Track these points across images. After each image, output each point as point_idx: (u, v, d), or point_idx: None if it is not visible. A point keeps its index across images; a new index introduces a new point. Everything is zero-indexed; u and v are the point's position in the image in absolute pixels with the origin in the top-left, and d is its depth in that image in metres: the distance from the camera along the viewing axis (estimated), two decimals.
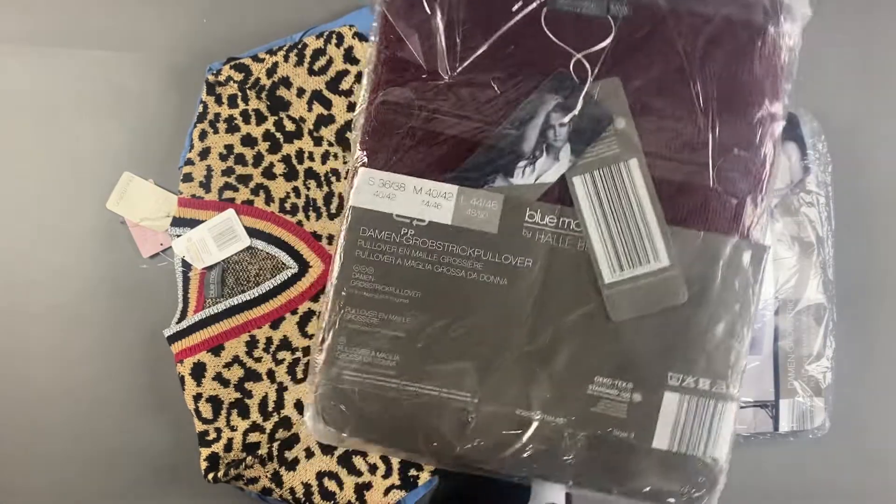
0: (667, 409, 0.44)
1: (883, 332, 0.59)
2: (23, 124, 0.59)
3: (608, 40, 0.44)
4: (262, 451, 0.54)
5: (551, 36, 0.44)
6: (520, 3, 0.44)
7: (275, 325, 0.55)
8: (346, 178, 0.52)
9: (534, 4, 0.44)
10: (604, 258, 0.44)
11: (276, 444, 0.54)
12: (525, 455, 0.44)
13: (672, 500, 0.44)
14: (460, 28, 0.44)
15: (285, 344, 0.55)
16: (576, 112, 0.44)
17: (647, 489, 0.44)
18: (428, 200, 0.44)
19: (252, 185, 0.56)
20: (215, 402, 0.54)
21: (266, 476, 0.54)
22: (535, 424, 0.44)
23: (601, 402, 0.43)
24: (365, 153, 0.45)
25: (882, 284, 0.59)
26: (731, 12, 0.44)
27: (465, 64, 0.44)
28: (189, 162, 0.56)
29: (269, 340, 0.55)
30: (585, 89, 0.44)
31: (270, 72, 0.56)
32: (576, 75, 0.44)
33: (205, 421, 0.54)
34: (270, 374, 0.55)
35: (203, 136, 0.56)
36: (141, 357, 0.58)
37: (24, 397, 0.58)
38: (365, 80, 0.45)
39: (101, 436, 0.58)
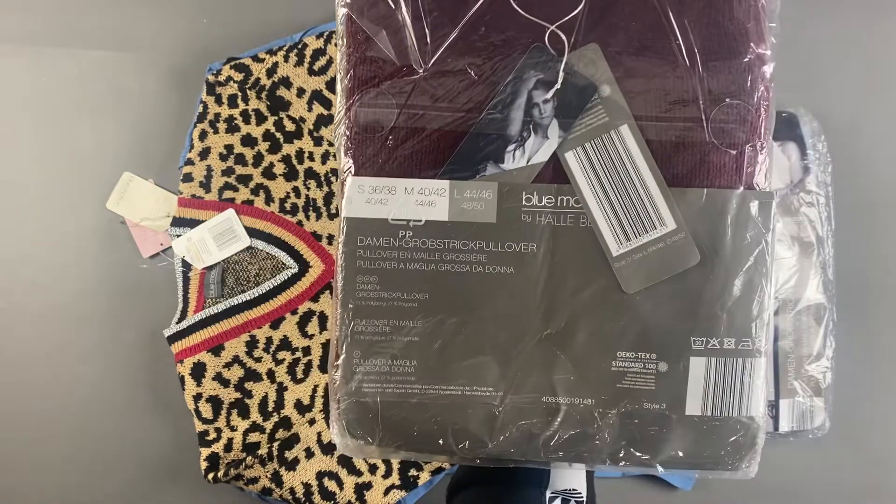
0: (695, 374, 0.43)
1: (883, 332, 0.59)
2: (23, 124, 0.59)
3: (580, 5, 0.43)
4: (262, 450, 0.54)
5: (520, 10, 0.43)
6: None
7: (275, 325, 0.55)
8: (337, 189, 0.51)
9: None
10: (608, 231, 0.43)
11: (276, 444, 0.54)
12: (558, 441, 0.43)
13: (714, 463, 0.43)
14: (427, 18, 0.43)
15: (285, 344, 0.55)
16: (558, 86, 0.43)
17: (687, 457, 0.43)
18: (421, 200, 0.43)
19: (252, 185, 0.56)
20: (215, 402, 0.54)
21: (266, 476, 0.54)
22: (563, 409, 0.43)
23: (627, 377, 0.43)
24: (351, 161, 0.44)
25: (882, 284, 0.59)
26: None
27: (438, 54, 0.43)
28: (189, 162, 0.56)
29: (269, 340, 0.55)
30: (564, 61, 0.43)
31: (270, 72, 0.56)
32: (552, 48, 0.43)
33: (205, 421, 0.54)
34: (270, 374, 0.55)
35: (203, 136, 0.56)
36: (141, 357, 0.58)
37: (24, 397, 0.58)
38: (339, 87, 0.44)
39: (101, 435, 0.58)
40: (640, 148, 0.43)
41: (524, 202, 0.43)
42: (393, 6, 0.43)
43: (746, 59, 0.43)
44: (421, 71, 0.43)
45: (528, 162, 0.43)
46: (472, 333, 0.43)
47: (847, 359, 0.57)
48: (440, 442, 0.44)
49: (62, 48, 0.59)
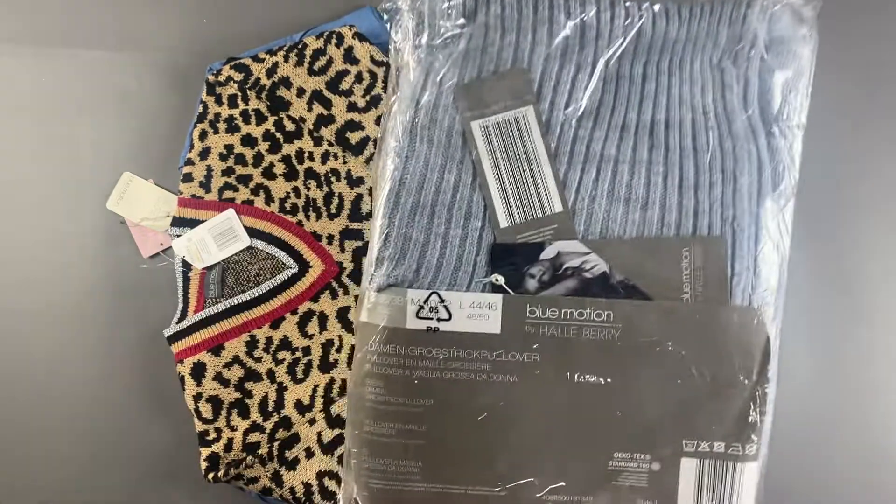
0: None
1: (881, 330, 0.59)
2: (23, 124, 0.59)
3: None
4: (262, 450, 0.54)
5: None
6: None
7: (275, 325, 0.56)
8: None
9: None
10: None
11: (276, 444, 0.54)
12: None
13: None
14: None
15: (285, 344, 0.55)
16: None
17: None
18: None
19: (252, 185, 0.56)
20: (215, 402, 0.54)
21: (266, 476, 0.54)
22: None
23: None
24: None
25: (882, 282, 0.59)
26: None
27: None
28: (189, 162, 0.56)
29: (269, 340, 0.55)
30: None
31: (270, 72, 0.56)
32: None
33: (205, 421, 0.54)
34: (270, 374, 0.55)
35: (203, 136, 0.56)
36: (141, 357, 0.58)
37: (23, 397, 0.58)
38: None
39: (100, 436, 0.58)
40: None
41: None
42: None
43: None
44: None
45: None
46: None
47: (849, 357, 0.57)
48: None
49: (62, 48, 0.59)
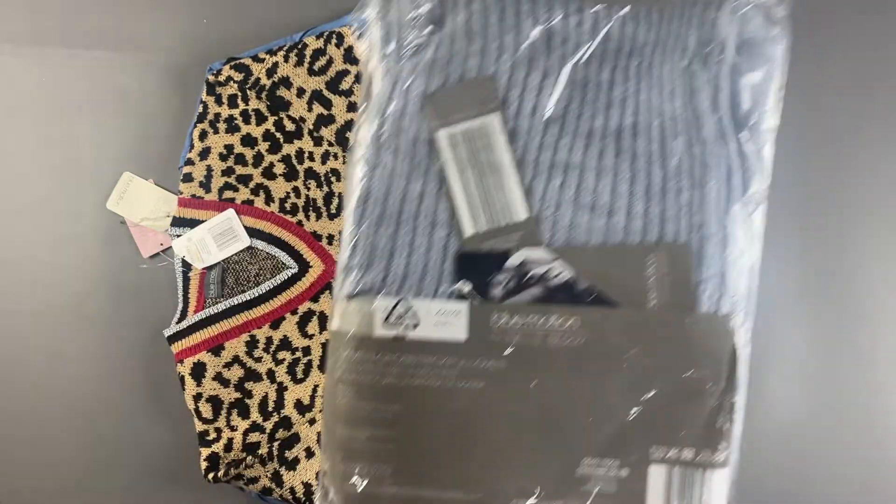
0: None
1: (866, 333, 0.59)
2: (23, 124, 0.59)
3: None
4: (263, 450, 0.54)
5: None
6: None
7: (275, 325, 0.56)
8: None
9: None
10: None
11: (276, 444, 0.54)
12: None
13: None
14: None
15: (285, 344, 0.55)
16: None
17: None
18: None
19: (252, 185, 0.56)
20: (215, 402, 0.54)
21: (266, 476, 0.54)
22: None
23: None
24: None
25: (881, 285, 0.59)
26: None
27: None
28: (189, 162, 0.56)
29: (269, 340, 0.55)
30: None
31: (270, 72, 0.56)
32: None
33: (205, 421, 0.54)
34: (270, 374, 0.55)
35: (203, 136, 0.56)
36: (141, 357, 0.58)
37: (23, 397, 0.58)
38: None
39: (101, 435, 0.58)
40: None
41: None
42: None
43: None
44: None
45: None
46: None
47: (846, 355, 0.57)
48: None
49: (62, 48, 0.59)
